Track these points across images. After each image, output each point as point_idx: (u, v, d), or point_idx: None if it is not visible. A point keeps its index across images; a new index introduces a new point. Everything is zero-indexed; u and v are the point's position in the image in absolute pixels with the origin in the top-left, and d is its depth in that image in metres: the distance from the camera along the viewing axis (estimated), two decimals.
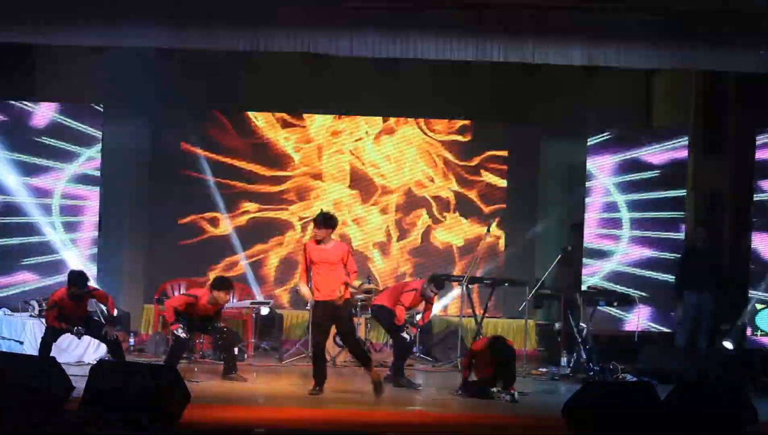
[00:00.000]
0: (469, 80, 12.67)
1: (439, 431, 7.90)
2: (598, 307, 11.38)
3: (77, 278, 9.88)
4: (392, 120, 13.52)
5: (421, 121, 13.53)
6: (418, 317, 11.03)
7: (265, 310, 12.31)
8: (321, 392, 9.32)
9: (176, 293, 12.81)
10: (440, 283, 10.75)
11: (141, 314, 13.21)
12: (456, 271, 13.10)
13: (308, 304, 10.38)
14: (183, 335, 10.01)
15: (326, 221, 9.33)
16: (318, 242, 9.33)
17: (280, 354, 11.94)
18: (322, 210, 10.01)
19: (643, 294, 11.96)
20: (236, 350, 10.83)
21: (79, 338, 10.17)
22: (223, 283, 10.26)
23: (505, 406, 9.22)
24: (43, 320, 10.74)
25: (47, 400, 7.30)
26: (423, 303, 10.74)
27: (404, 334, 10.32)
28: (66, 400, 7.43)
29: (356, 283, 10.61)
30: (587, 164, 12.47)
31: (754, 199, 11.55)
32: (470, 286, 12.14)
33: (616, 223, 12.40)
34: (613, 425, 7.11)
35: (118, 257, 13.07)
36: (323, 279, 9.28)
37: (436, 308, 11.72)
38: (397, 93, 13.05)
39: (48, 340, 9.87)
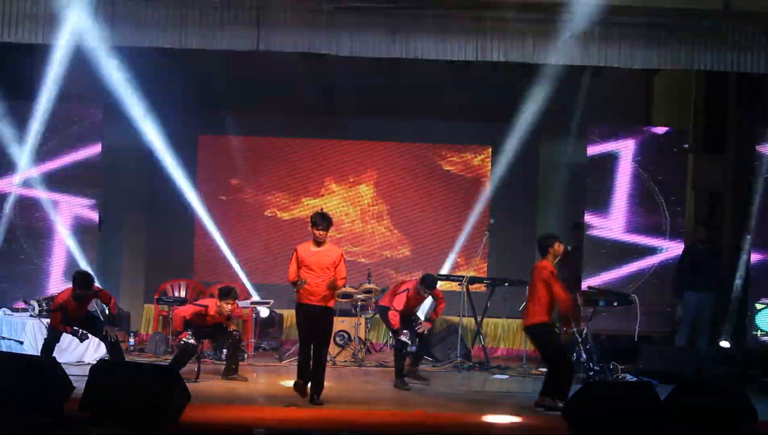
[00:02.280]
0: (469, 79, 12.68)
1: (438, 431, 7.89)
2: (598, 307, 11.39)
3: (83, 280, 9.82)
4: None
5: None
6: (421, 316, 11.01)
7: (264, 312, 12.32)
8: (307, 396, 9.02)
9: (176, 293, 12.86)
10: (431, 283, 10.50)
11: (141, 314, 13.22)
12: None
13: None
14: (192, 342, 10.07)
15: (326, 221, 9.05)
16: (315, 245, 9.08)
17: (280, 354, 11.95)
18: (322, 210, 9.66)
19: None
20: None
21: (82, 341, 10.15)
22: (228, 293, 10.30)
23: (504, 407, 9.22)
24: (43, 320, 10.75)
25: (47, 400, 7.30)
26: (429, 299, 10.67)
27: (402, 338, 10.30)
28: (66, 400, 7.43)
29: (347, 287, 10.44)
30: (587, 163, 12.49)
31: None
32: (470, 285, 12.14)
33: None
34: (613, 425, 7.11)
35: (117, 257, 13.06)
36: (314, 282, 8.98)
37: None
38: (398, 91, 13.05)
39: (51, 340, 9.86)
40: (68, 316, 9.84)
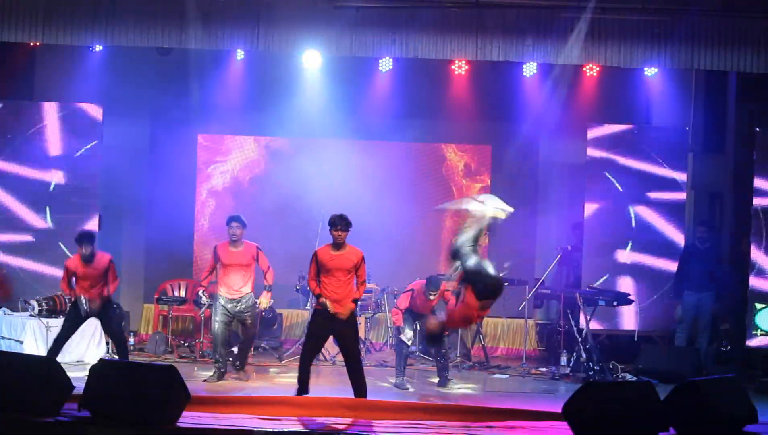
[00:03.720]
0: (469, 78, 12.70)
1: (437, 432, 7.88)
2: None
3: (82, 235, 9.94)
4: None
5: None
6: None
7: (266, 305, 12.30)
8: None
9: (176, 293, 12.87)
10: (432, 284, 10.27)
11: (141, 314, 13.22)
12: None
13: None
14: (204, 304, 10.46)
15: (345, 221, 8.79)
16: (335, 248, 8.86)
17: (280, 354, 11.96)
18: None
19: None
20: (235, 350, 10.83)
21: (85, 317, 9.99)
22: (229, 219, 10.27)
23: (504, 406, 9.20)
24: (43, 320, 10.76)
25: (47, 400, 7.30)
26: (440, 300, 10.48)
27: (401, 337, 10.28)
28: (66, 400, 7.43)
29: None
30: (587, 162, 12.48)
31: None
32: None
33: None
34: (613, 425, 7.10)
35: (117, 257, 13.02)
36: (336, 288, 8.77)
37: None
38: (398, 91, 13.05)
39: (67, 321, 9.95)
40: (80, 282, 9.88)
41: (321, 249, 8.96)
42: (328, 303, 8.73)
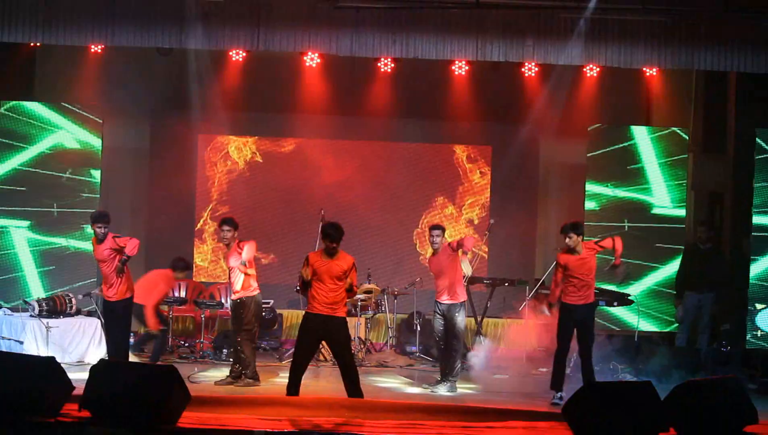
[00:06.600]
0: (470, 79, 12.70)
1: (437, 432, 7.88)
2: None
3: (95, 215, 10.05)
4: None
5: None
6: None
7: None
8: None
9: (176, 293, 12.84)
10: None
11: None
12: None
13: None
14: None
15: (338, 232, 8.75)
16: (326, 254, 8.79)
17: (280, 354, 11.95)
18: (327, 221, 9.10)
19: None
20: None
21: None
22: (223, 221, 10.16)
23: (504, 407, 9.20)
24: (43, 320, 10.76)
25: (47, 400, 7.30)
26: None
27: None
28: (66, 400, 7.43)
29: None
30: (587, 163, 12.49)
31: None
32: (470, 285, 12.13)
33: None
34: (613, 425, 7.11)
35: None
36: (324, 292, 8.73)
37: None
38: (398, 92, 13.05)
39: None
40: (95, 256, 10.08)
41: (313, 254, 8.94)
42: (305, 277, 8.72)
